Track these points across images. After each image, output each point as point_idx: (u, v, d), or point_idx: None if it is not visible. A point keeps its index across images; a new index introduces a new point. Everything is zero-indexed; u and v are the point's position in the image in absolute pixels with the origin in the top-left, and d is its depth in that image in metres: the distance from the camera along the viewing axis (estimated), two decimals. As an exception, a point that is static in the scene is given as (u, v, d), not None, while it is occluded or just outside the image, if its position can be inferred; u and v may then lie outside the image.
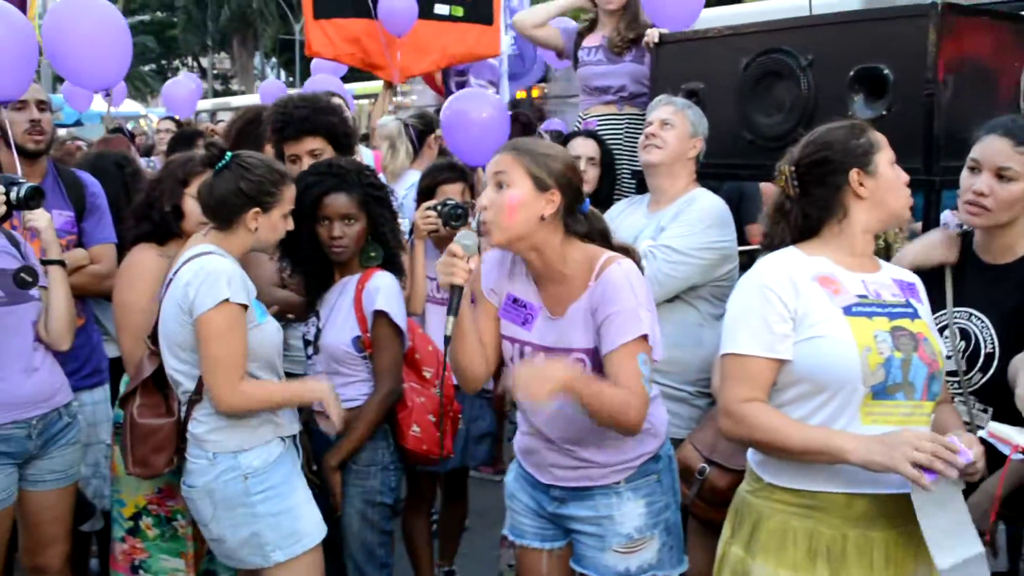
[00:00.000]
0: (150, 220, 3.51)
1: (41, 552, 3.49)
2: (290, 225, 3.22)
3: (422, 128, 5.76)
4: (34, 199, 3.28)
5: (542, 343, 2.77)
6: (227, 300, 2.98)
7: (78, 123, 13.55)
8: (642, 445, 2.83)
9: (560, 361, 2.62)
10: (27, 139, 3.85)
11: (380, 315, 3.40)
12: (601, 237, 2.82)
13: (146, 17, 41.95)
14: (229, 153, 3.13)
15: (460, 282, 2.63)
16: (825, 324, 2.36)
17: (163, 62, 45.28)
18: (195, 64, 46.19)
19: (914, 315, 2.43)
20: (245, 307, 3.05)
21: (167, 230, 3.51)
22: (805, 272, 2.43)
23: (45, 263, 3.38)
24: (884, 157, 2.49)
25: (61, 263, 3.43)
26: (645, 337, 2.61)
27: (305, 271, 3.56)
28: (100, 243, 4.05)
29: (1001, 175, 2.75)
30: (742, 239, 4.42)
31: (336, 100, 4.33)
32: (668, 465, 2.93)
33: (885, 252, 3.64)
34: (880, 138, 2.52)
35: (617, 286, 2.63)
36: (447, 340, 2.66)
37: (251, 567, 3.18)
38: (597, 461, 2.81)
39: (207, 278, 2.99)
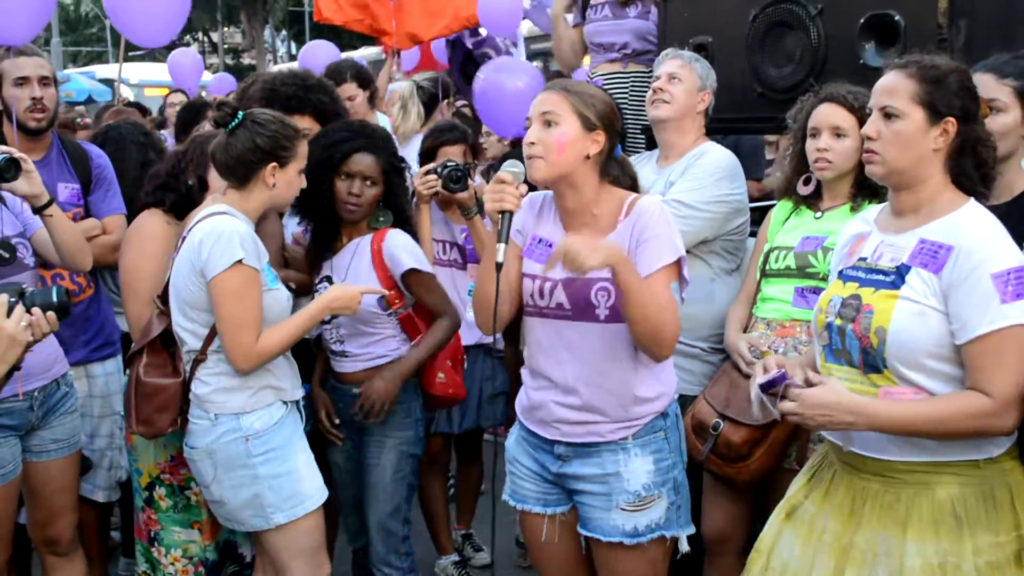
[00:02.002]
0: (175, 191, 3.49)
1: (51, 524, 3.50)
2: (303, 182, 3.23)
3: (434, 92, 5.72)
4: (9, 171, 3.17)
5: (565, 276, 2.73)
6: (240, 261, 2.99)
7: (89, 99, 13.55)
8: (650, 403, 2.81)
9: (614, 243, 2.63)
10: (28, 116, 3.83)
11: (411, 272, 3.47)
12: (631, 182, 2.90)
13: (155, -7, 41.75)
14: (241, 112, 3.14)
15: (511, 207, 2.66)
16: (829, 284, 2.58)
17: (173, 39, 45.18)
18: (206, 39, 46.09)
19: (892, 285, 2.35)
20: (257, 271, 3.07)
21: (189, 202, 3.48)
22: (853, 231, 2.62)
23: (37, 211, 3.31)
24: None
25: (50, 201, 3.34)
26: (679, 264, 2.70)
27: (315, 223, 3.57)
28: (109, 214, 4.03)
29: (990, 107, 2.68)
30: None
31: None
32: (675, 423, 2.91)
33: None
34: None
35: (653, 215, 2.72)
36: (499, 267, 2.66)
37: (252, 529, 3.21)
38: (604, 411, 2.78)
39: (219, 238, 3.00)
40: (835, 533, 2.45)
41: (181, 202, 3.48)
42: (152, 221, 3.48)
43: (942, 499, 2.32)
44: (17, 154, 3.19)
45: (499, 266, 2.65)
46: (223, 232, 3.01)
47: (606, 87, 4.83)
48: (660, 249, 2.68)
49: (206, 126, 4.13)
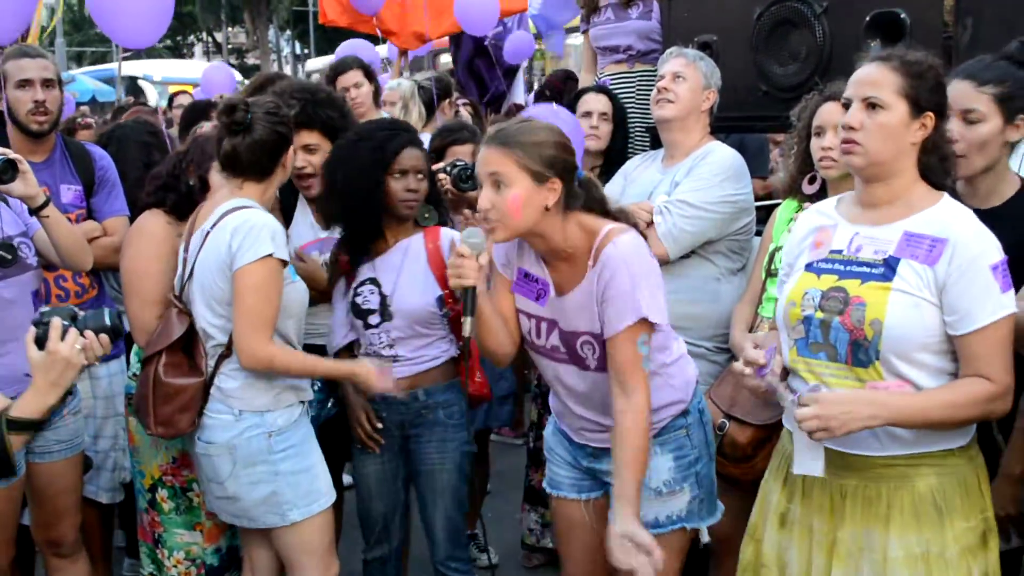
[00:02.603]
0: (176, 191, 3.47)
1: (54, 525, 3.49)
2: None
3: (438, 91, 5.70)
4: (6, 173, 3.15)
5: (555, 319, 2.77)
6: (270, 255, 2.98)
7: (92, 100, 13.55)
8: (664, 409, 2.81)
9: None
10: (30, 119, 3.80)
11: None
12: (599, 204, 2.78)
13: (159, -8, 41.79)
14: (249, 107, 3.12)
15: (471, 283, 2.61)
16: (791, 277, 2.56)
17: (178, 38, 45.25)
18: (210, 39, 46.15)
19: (883, 277, 2.36)
20: (285, 264, 3.06)
21: (191, 202, 3.46)
22: (812, 224, 2.60)
23: (33, 212, 3.30)
24: None
25: (46, 202, 3.32)
26: (643, 319, 2.60)
27: (362, 228, 3.41)
28: (111, 216, 4.02)
29: (967, 118, 2.74)
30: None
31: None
32: (699, 420, 2.90)
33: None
34: None
35: (614, 270, 2.61)
36: (467, 341, 2.68)
37: (264, 526, 3.18)
38: None
39: (251, 231, 2.98)
40: (822, 531, 2.50)
41: (182, 202, 3.46)
42: (153, 221, 3.46)
43: (922, 491, 2.38)
44: (12, 155, 3.17)
45: (467, 340, 2.67)
46: (254, 225, 2.99)
47: (613, 87, 4.83)
48: (623, 310, 2.60)
49: (205, 126, 4.11)
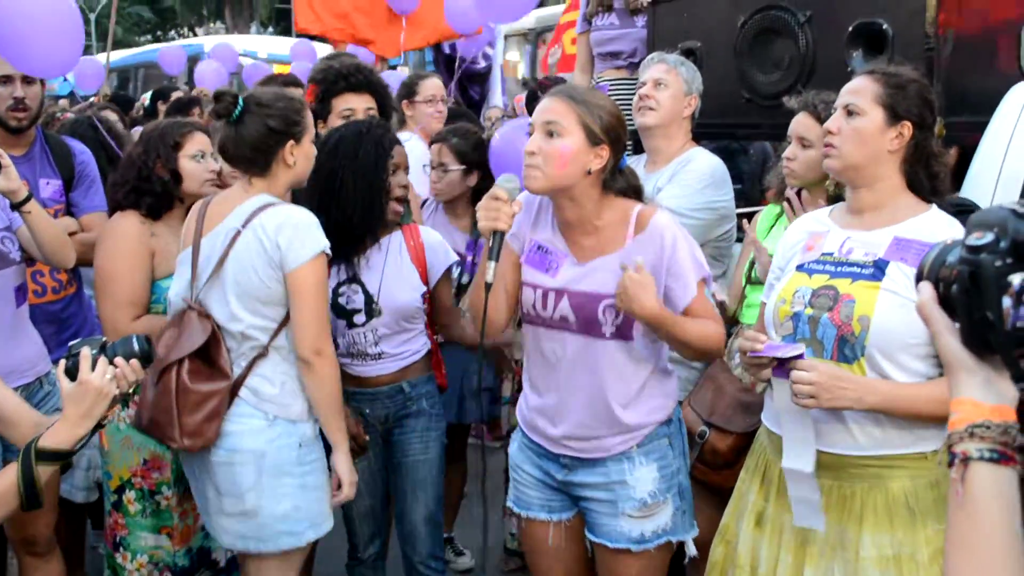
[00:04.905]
0: (151, 193, 3.41)
1: (29, 523, 3.44)
2: (315, 150, 3.12)
3: (403, 94, 5.67)
4: None
5: (569, 288, 2.71)
6: (324, 251, 2.91)
7: (72, 95, 13.45)
8: (655, 411, 2.79)
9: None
10: (10, 116, 3.78)
11: (448, 269, 3.45)
12: (635, 193, 2.78)
13: (140, -12, 41.59)
14: (241, 98, 3.00)
15: (503, 227, 2.58)
16: (782, 279, 2.60)
17: (158, 32, 44.96)
18: (191, 35, 45.85)
19: (872, 277, 2.41)
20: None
21: (168, 199, 3.44)
22: (805, 230, 2.64)
23: (15, 207, 3.25)
24: None
25: (28, 197, 3.27)
26: (704, 279, 2.70)
27: (364, 226, 3.32)
28: (90, 211, 3.99)
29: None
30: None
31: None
32: (678, 428, 2.88)
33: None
34: None
35: (675, 237, 2.66)
36: (488, 286, 2.59)
37: (276, 549, 2.98)
38: (607, 425, 2.75)
39: (298, 227, 2.88)
40: (793, 530, 2.51)
41: (159, 202, 3.42)
42: (125, 222, 3.40)
43: (896, 492, 2.41)
44: None
45: (488, 286, 2.59)
46: (299, 222, 2.89)
47: (611, 92, 4.82)
48: (689, 277, 2.65)
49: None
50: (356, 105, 3.74)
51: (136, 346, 2.35)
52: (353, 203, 3.26)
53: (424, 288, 3.37)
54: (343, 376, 3.26)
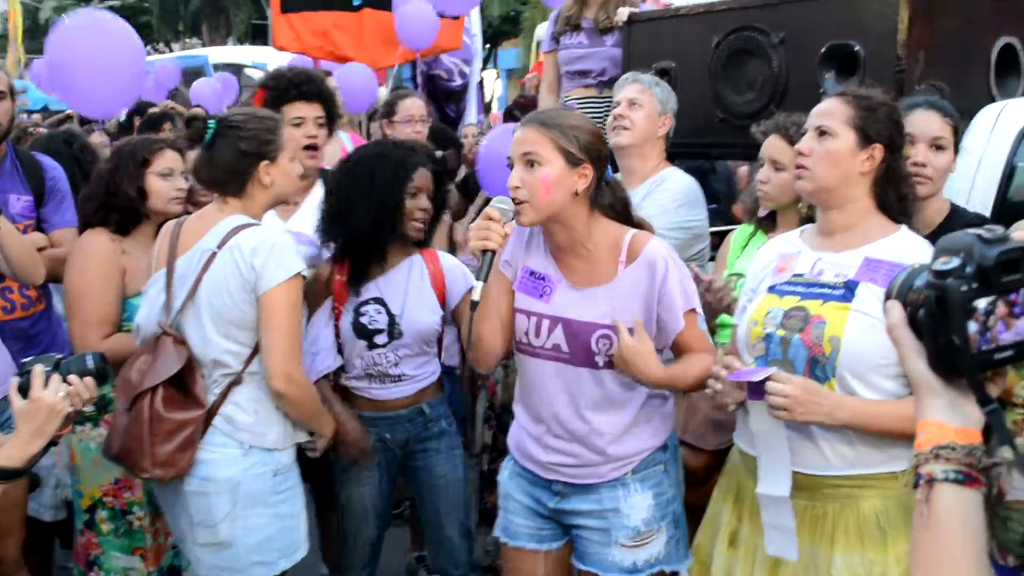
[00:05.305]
0: (117, 209, 3.40)
1: None
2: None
3: (384, 113, 5.68)
4: None
5: (562, 315, 2.68)
6: (299, 273, 2.86)
7: (45, 109, 13.36)
8: (654, 436, 2.76)
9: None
10: None
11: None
12: (623, 207, 2.77)
13: (116, 2, 41.51)
14: (212, 121, 2.97)
15: (495, 247, 2.54)
16: (753, 301, 2.61)
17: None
18: (167, 50, 45.70)
19: (842, 298, 2.42)
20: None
21: (135, 215, 3.41)
22: (776, 251, 2.66)
23: None
24: None
25: None
26: (692, 309, 2.68)
27: (377, 247, 3.31)
28: (61, 227, 3.95)
29: (936, 145, 2.93)
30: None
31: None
32: (674, 454, 2.84)
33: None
34: None
35: (664, 265, 2.63)
36: (474, 305, 2.55)
37: None
38: (602, 453, 2.70)
39: (273, 249, 2.82)
40: (766, 550, 2.51)
41: (126, 218, 3.40)
42: (96, 240, 3.38)
43: (867, 512, 2.42)
44: None
45: (474, 304, 2.55)
46: (275, 243, 2.84)
47: (580, 111, 4.84)
48: (678, 309, 2.64)
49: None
50: (306, 114, 3.71)
51: (90, 363, 2.32)
52: (363, 221, 3.24)
53: (442, 312, 3.39)
54: (359, 401, 3.34)
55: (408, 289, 3.34)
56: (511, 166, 2.62)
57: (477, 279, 2.55)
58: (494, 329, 2.73)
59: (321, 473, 3.58)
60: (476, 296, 2.54)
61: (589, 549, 2.76)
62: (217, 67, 14.58)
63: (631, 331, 2.57)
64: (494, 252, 2.55)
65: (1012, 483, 2.35)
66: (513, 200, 2.58)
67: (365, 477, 3.41)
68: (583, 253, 2.69)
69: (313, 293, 3.34)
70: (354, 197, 3.26)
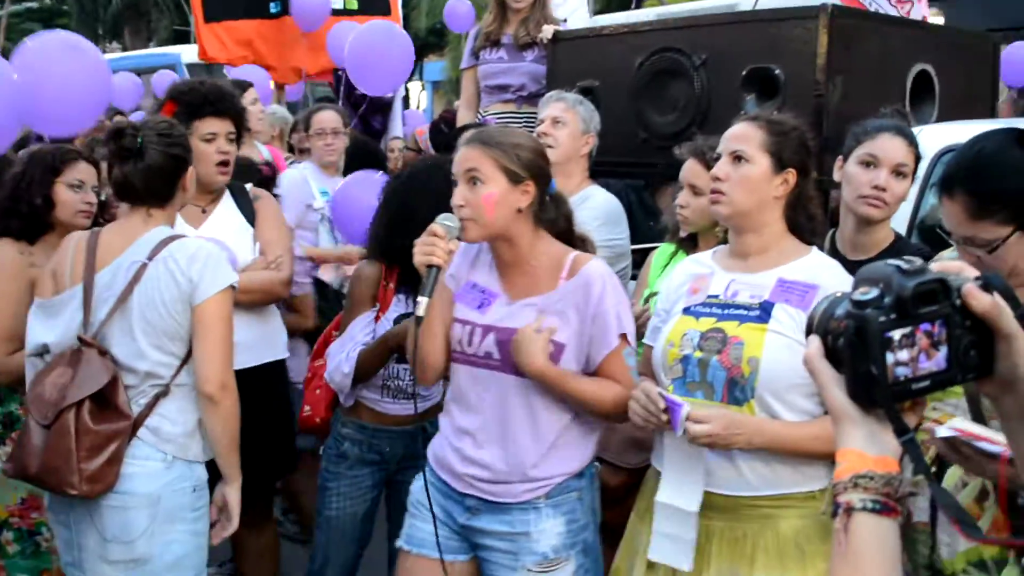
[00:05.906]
0: (18, 215, 3.30)
1: None
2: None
3: (303, 127, 5.62)
4: None
5: (495, 324, 2.68)
6: (232, 286, 2.84)
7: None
8: (566, 463, 2.72)
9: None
10: None
11: None
12: (566, 221, 2.79)
13: (34, 4, 40.58)
14: (140, 132, 2.90)
15: (439, 262, 2.54)
16: (668, 322, 2.60)
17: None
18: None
19: (759, 319, 2.45)
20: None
21: (38, 224, 3.32)
22: (688, 272, 2.68)
23: None
24: None
25: None
26: (624, 335, 2.65)
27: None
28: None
29: (899, 172, 2.92)
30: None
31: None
32: (590, 483, 2.81)
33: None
34: None
35: (602, 285, 2.63)
36: (419, 320, 2.55)
37: None
38: (518, 470, 2.66)
39: (208, 261, 2.81)
40: (686, 573, 2.50)
41: (28, 226, 3.31)
42: (2, 252, 3.28)
43: (785, 532, 2.44)
44: None
45: (419, 320, 2.55)
46: (210, 254, 2.83)
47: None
48: (611, 332, 2.62)
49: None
50: (218, 130, 3.62)
51: None
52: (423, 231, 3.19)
53: None
54: (363, 412, 3.35)
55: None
56: (455, 183, 2.63)
57: (421, 294, 2.54)
58: (439, 345, 2.74)
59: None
60: (420, 312, 2.53)
61: (496, 572, 2.73)
62: (190, 68, 14.22)
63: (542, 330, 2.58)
64: (439, 268, 2.55)
65: (916, 504, 2.38)
66: (459, 218, 2.59)
67: (356, 495, 3.37)
68: (527, 270, 2.71)
69: (357, 293, 3.34)
70: (415, 206, 3.16)
